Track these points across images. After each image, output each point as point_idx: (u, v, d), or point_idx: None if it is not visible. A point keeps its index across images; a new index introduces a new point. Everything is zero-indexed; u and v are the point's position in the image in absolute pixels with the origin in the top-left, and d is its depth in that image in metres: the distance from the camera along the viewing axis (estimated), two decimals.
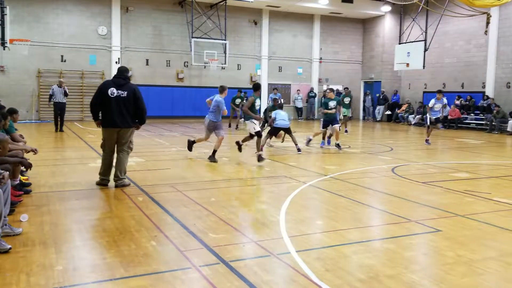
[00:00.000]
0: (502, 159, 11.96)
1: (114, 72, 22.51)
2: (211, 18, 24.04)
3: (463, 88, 23.58)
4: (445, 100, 14.58)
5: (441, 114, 14.69)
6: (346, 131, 18.01)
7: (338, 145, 12.86)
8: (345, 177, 8.64)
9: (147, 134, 16.14)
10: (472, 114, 22.13)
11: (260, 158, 10.05)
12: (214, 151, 10.27)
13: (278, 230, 5.19)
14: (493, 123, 20.01)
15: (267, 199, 6.87)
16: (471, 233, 5.25)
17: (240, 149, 10.94)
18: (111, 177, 7.36)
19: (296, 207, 6.31)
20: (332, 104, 12.89)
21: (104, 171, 7.31)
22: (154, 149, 12.59)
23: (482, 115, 21.40)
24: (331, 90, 13.41)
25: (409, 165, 10.49)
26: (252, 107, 10.42)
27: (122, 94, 7.01)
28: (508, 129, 19.23)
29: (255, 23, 26.16)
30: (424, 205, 6.60)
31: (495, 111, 20.12)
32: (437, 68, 24.82)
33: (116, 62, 23.02)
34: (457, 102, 22.63)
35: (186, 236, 4.92)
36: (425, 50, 21.67)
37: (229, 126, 19.72)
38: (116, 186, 7.23)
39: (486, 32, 19.02)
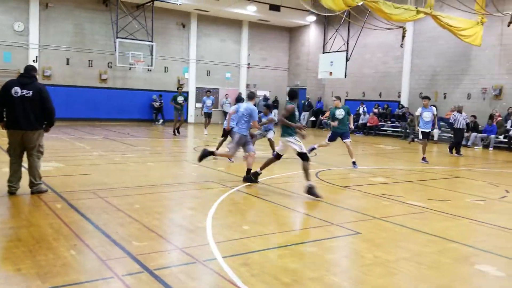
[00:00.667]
0: (414, 164, 12.76)
1: None
2: (137, 18, 23.47)
3: (380, 97, 24.90)
4: (434, 110, 13.02)
5: (434, 127, 13.48)
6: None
7: (353, 163, 11.22)
8: (271, 182, 8.79)
9: (66, 138, 15.42)
10: (388, 122, 23.41)
11: (312, 191, 7.32)
12: (249, 170, 8.57)
13: (205, 236, 5.17)
14: (407, 130, 21.30)
15: (194, 205, 6.83)
16: (387, 235, 5.56)
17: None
18: (24, 183, 6.90)
19: (223, 212, 6.33)
20: (339, 113, 11.31)
21: (11, 178, 6.79)
22: (74, 153, 12.06)
23: (397, 123, 22.71)
24: (338, 98, 11.60)
25: (331, 170, 10.88)
26: (292, 117, 8.06)
27: (27, 93, 6.58)
28: (421, 136, 20.51)
29: (183, 26, 25.94)
30: (345, 209, 6.88)
31: (409, 119, 21.43)
32: (358, 78, 26.01)
33: (34, 61, 21.79)
34: (375, 110, 23.84)
35: (108, 244, 4.76)
36: (347, 60, 22.64)
37: (175, 133, 18.15)
38: (32, 193, 6.83)
39: (402, 45, 20.25)
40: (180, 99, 18.26)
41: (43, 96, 6.68)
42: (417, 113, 13.03)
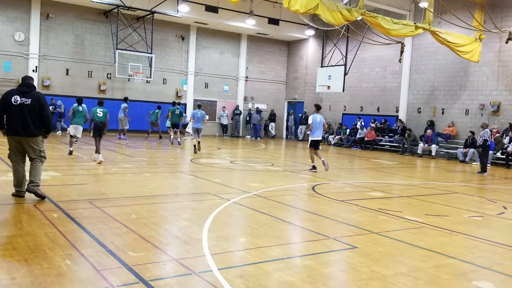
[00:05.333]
0: (412, 179, 12.76)
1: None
2: (137, 30, 23.63)
3: (379, 111, 24.99)
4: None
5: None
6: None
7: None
8: (267, 194, 8.77)
9: (64, 147, 15.39)
10: (386, 137, 23.45)
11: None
12: None
13: (200, 247, 5.15)
14: (405, 145, 21.35)
15: (190, 216, 6.80)
16: (384, 250, 5.53)
17: None
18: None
19: (219, 224, 6.30)
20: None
21: (18, 182, 7.09)
22: (71, 163, 12.03)
23: (395, 137, 22.74)
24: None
25: (328, 183, 10.87)
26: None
27: (26, 101, 6.92)
28: (419, 151, 20.60)
29: (182, 39, 26.09)
30: (341, 223, 6.86)
31: (406, 134, 21.49)
32: (356, 92, 26.13)
33: (33, 71, 21.85)
34: (373, 125, 23.88)
35: (104, 254, 4.73)
36: (345, 74, 22.77)
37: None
38: (28, 190, 6.97)
39: (400, 60, 20.37)
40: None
41: (41, 103, 6.99)
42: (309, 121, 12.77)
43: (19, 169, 7.06)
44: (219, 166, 13.00)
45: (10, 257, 4.51)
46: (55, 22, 22.58)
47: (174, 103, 20.24)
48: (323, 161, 12.77)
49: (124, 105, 20.38)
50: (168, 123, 20.11)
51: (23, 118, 6.88)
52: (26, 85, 7.06)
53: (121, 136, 20.35)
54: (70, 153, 13.30)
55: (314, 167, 12.86)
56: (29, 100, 6.92)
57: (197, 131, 16.04)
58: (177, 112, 19.08)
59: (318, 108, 13.15)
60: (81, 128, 13.69)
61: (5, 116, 7.00)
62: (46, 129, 7.16)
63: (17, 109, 6.88)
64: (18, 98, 6.90)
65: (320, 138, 13.00)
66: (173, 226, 6.22)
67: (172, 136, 19.26)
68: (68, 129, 11.73)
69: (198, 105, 17.20)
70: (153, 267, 4.50)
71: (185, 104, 26.03)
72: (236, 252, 5.19)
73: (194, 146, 15.99)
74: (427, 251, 5.53)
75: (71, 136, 13.66)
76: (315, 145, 12.83)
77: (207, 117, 17.07)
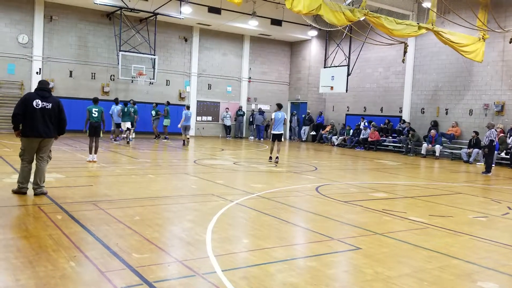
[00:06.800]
0: (416, 180, 12.73)
1: (34, 82, 21.71)
2: (140, 32, 23.69)
3: (382, 112, 24.95)
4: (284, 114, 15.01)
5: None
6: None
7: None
8: (271, 195, 8.77)
9: (68, 149, 15.44)
10: (390, 137, 23.39)
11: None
12: None
13: (204, 249, 5.15)
14: (409, 146, 21.29)
15: (193, 218, 6.80)
16: (388, 251, 5.52)
17: None
18: (29, 185, 7.57)
19: (223, 225, 6.30)
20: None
21: (23, 179, 7.49)
22: (75, 165, 12.06)
23: (399, 137, 22.69)
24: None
25: (332, 184, 10.85)
26: None
27: (47, 105, 7.44)
28: (422, 152, 20.54)
29: (185, 40, 26.13)
30: (345, 224, 6.84)
31: (410, 135, 21.42)
32: (359, 92, 26.10)
33: (37, 73, 21.92)
34: (372, 127, 23.75)
35: (108, 256, 4.74)
36: (348, 74, 22.74)
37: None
38: (35, 194, 7.45)
39: (403, 61, 20.34)
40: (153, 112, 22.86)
41: (61, 108, 7.65)
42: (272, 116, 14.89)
43: (29, 167, 7.49)
44: (222, 167, 13.01)
45: (14, 259, 4.52)
46: (58, 24, 22.64)
47: (122, 102, 20.91)
48: (277, 157, 14.49)
49: (120, 106, 20.10)
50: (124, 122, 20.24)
51: (44, 121, 7.39)
52: (45, 90, 7.55)
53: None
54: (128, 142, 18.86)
55: (271, 158, 14.69)
56: (50, 104, 7.46)
57: (185, 128, 19.29)
58: (131, 111, 20.56)
59: (279, 106, 15.12)
60: (129, 124, 19.38)
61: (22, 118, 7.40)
62: (61, 131, 7.76)
63: (39, 112, 7.35)
64: (39, 102, 7.37)
65: (281, 133, 14.70)
66: (176, 228, 6.22)
67: (124, 135, 19.95)
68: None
69: (187, 106, 20.21)
70: (157, 268, 4.50)
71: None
72: (240, 254, 5.19)
73: (184, 140, 19.30)
74: (432, 252, 5.52)
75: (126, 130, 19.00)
76: (277, 138, 14.58)
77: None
